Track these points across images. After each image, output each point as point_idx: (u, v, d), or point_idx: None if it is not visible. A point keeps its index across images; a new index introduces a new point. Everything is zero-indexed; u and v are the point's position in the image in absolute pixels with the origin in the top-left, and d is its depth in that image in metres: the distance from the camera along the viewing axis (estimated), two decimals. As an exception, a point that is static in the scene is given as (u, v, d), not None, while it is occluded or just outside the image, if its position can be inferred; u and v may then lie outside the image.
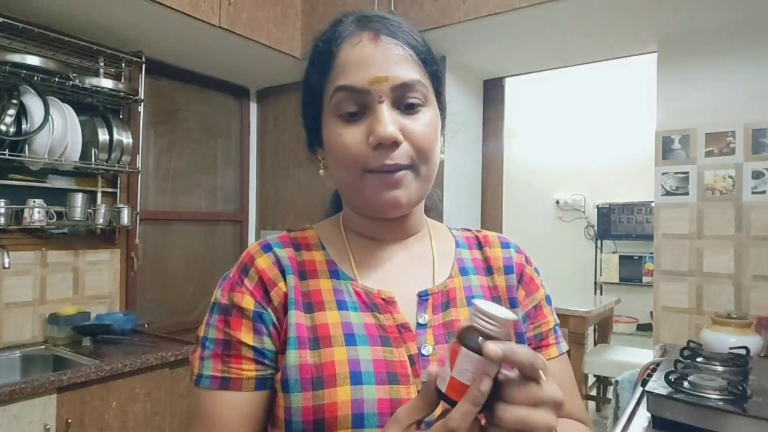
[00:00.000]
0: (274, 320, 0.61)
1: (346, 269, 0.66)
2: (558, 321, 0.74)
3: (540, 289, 0.73)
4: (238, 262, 0.65)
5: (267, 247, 0.65)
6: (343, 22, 0.64)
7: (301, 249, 0.67)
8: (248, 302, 0.61)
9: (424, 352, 0.61)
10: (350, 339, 0.60)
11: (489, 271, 0.71)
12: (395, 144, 0.59)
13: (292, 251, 0.66)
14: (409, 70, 0.61)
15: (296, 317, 0.61)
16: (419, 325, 0.63)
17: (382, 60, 0.60)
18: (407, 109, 0.61)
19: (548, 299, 0.73)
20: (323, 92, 0.63)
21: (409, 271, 0.68)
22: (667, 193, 2.08)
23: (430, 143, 0.61)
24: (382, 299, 0.63)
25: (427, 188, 0.65)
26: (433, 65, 0.65)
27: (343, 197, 0.69)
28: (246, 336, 0.60)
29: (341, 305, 0.62)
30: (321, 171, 0.68)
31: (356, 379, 0.57)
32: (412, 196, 0.62)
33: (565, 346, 0.73)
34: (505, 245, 0.74)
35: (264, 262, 0.64)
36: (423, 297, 0.65)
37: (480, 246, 0.74)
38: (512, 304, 0.69)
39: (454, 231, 0.76)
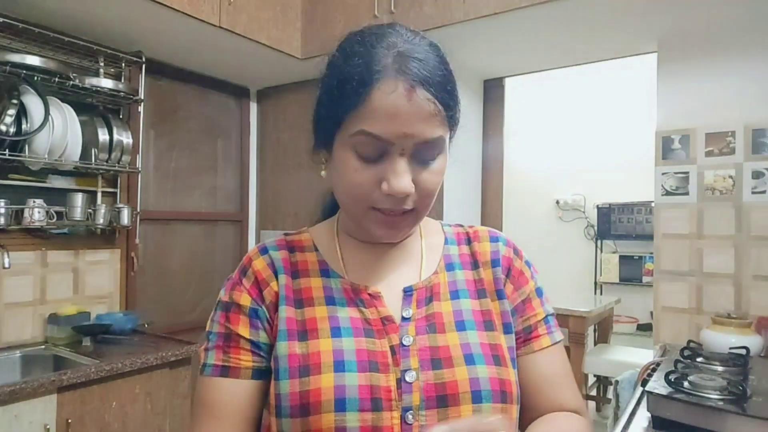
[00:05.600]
0: (267, 316, 0.67)
1: (337, 268, 0.71)
2: (552, 311, 0.75)
3: (529, 282, 0.74)
4: (240, 265, 0.72)
5: (264, 250, 0.72)
6: (378, 52, 0.61)
7: (296, 251, 0.73)
8: (245, 300, 0.68)
9: (405, 342, 0.64)
10: (336, 331, 0.64)
11: (475, 265, 0.74)
12: (406, 196, 0.62)
13: (287, 253, 0.72)
14: (435, 127, 0.61)
15: (287, 312, 0.67)
16: (404, 319, 0.66)
17: (412, 116, 0.59)
18: (423, 161, 0.63)
19: (539, 291, 0.74)
20: (344, 121, 0.62)
21: (396, 268, 0.71)
22: (667, 193, 2.08)
23: (435, 190, 0.65)
24: (369, 294, 0.68)
25: (421, 221, 0.70)
26: (456, 115, 0.65)
27: (342, 208, 0.72)
28: (243, 330, 0.67)
29: (329, 301, 0.67)
30: (323, 173, 0.71)
31: (339, 367, 0.61)
32: (408, 232, 0.69)
33: (559, 336, 0.74)
34: (494, 239, 0.76)
35: (260, 263, 0.70)
36: (408, 292, 0.69)
37: (469, 241, 0.76)
38: (499, 296, 0.71)
39: (446, 228, 0.78)
